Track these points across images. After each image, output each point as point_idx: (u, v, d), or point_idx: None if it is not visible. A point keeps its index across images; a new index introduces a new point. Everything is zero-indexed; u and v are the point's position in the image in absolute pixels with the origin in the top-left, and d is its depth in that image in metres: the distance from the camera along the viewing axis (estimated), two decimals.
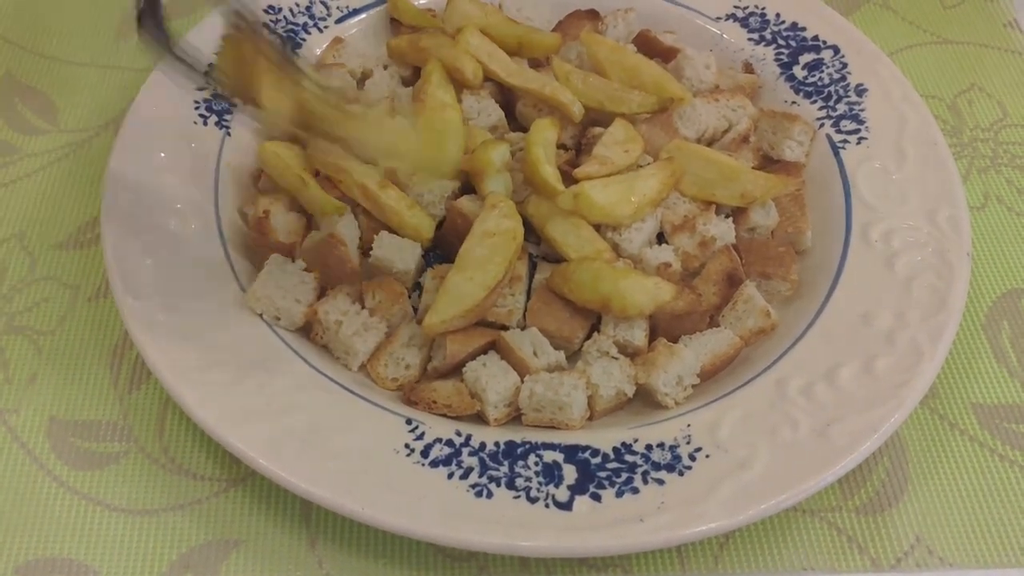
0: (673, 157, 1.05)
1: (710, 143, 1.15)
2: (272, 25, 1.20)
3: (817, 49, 1.21)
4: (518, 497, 0.85)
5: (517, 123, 1.16)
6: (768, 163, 1.14)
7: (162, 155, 1.06)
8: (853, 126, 1.13)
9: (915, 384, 0.90)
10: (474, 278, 0.95)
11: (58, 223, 1.13)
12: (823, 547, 0.91)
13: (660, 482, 0.86)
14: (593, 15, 1.26)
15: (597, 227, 1.02)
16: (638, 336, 0.96)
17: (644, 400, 0.96)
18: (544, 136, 1.04)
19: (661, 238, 1.07)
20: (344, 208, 1.00)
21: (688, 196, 1.06)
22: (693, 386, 0.95)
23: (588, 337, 0.98)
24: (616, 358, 0.95)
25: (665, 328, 0.98)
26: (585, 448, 0.89)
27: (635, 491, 0.85)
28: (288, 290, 0.97)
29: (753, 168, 1.10)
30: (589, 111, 1.11)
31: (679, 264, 1.01)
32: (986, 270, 1.12)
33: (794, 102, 1.18)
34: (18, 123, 1.22)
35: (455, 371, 0.95)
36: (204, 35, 1.02)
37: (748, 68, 1.22)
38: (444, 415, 0.92)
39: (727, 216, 1.07)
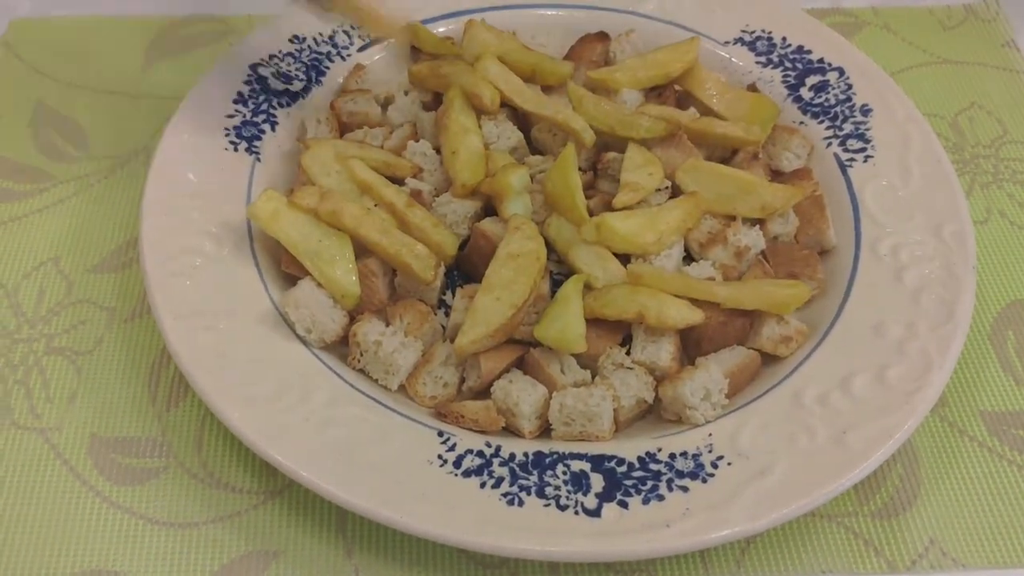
0: (697, 192, 1.08)
1: (721, 161, 1.19)
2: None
3: (823, 71, 1.26)
4: (548, 505, 0.88)
5: (533, 147, 1.20)
6: (776, 176, 1.18)
7: (195, 180, 1.10)
8: (859, 145, 1.18)
9: (926, 392, 0.94)
10: (501, 298, 0.99)
11: (92, 247, 1.17)
12: (841, 550, 0.94)
13: (684, 489, 0.89)
14: (603, 38, 1.31)
15: (627, 257, 1.06)
16: (664, 357, 0.99)
17: (673, 415, 0.98)
18: (575, 162, 1.08)
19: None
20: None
21: (709, 212, 1.10)
22: (723, 406, 0.97)
23: None
24: (631, 368, 0.98)
25: (703, 342, 1.01)
26: (611, 458, 0.92)
27: (661, 498, 0.88)
28: (324, 308, 1.00)
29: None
30: (601, 135, 1.15)
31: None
32: (991, 282, 1.16)
33: (802, 122, 1.22)
34: (51, 151, 1.26)
35: (488, 390, 0.98)
36: None
37: (753, 89, 1.26)
38: (470, 429, 0.96)
39: (753, 226, 1.10)
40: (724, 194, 1.09)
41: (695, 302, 1.00)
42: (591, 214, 1.08)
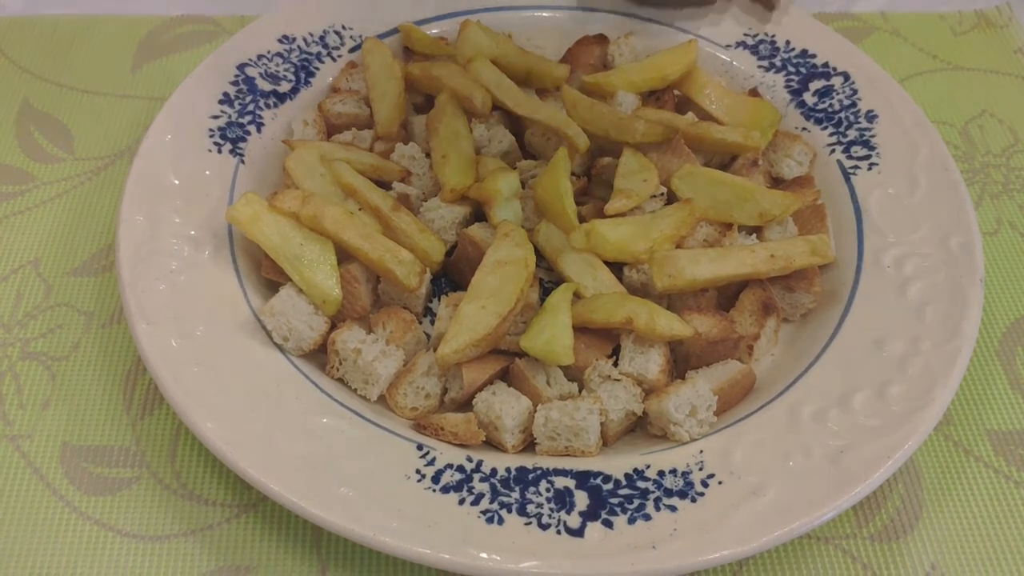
0: (692, 199, 1.05)
1: (720, 167, 1.15)
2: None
3: (827, 76, 1.22)
4: (529, 523, 0.84)
5: (526, 151, 1.17)
6: (776, 184, 1.14)
7: (176, 182, 1.07)
8: (864, 152, 1.14)
9: (929, 410, 0.90)
10: (487, 307, 0.95)
11: (73, 250, 1.14)
12: (838, 575, 0.90)
13: (672, 509, 0.85)
14: (601, 40, 1.27)
15: (620, 267, 1.02)
16: (652, 369, 0.95)
17: (659, 430, 0.95)
18: (566, 167, 1.05)
19: None
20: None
21: (705, 220, 1.06)
22: (711, 424, 0.93)
23: None
24: (618, 379, 0.95)
25: (700, 357, 0.97)
26: (597, 474, 0.88)
27: (647, 518, 0.84)
28: (303, 316, 0.97)
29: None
30: (595, 139, 1.12)
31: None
32: (999, 296, 1.12)
33: (804, 128, 1.18)
34: (34, 151, 1.24)
35: (472, 403, 0.95)
36: None
37: (754, 93, 1.23)
38: (450, 443, 0.92)
39: (749, 235, 1.07)
40: (721, 201, 1.05)
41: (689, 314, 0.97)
42: (583, 221, 1.04)
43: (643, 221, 1.03)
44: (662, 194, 1.07)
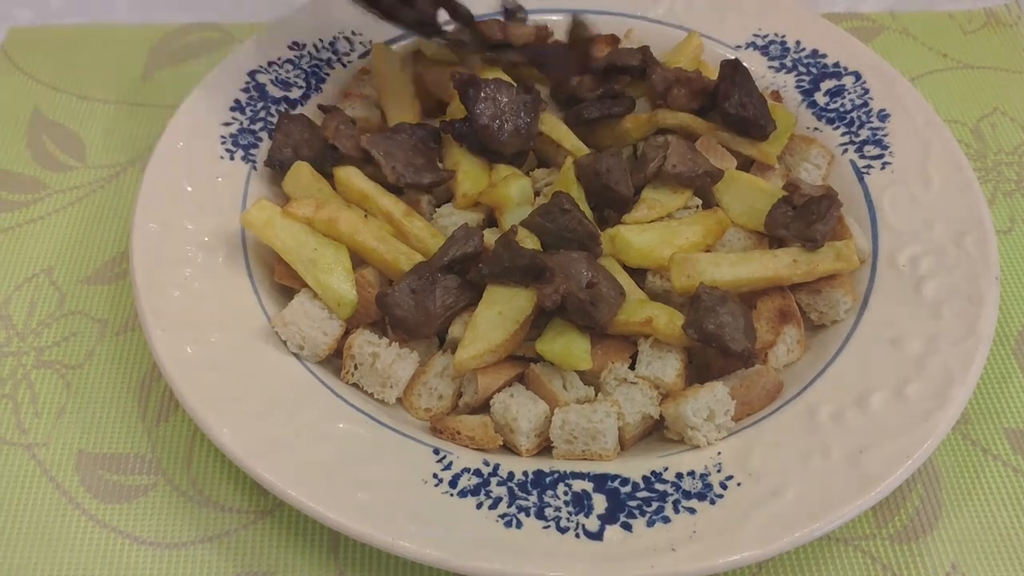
0: (718, 208, 1.04)
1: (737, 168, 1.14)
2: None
3: (838, 75, 1.21)
4: (548, 527, 0.84)
5: (539, 158, 1.16)
6: (792, 186, 1.13)
7: (189, 189, 1.07)
8: (877, 151, 1.13)
9: (947, 409, 0.89)
10: (503, 313, 0.95)
11: (86, 258, 1.14)
12: None
13: (692, 511, 0.85)
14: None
15: (643, 273, 1.02)
16: (669, 373, 0.95)
17: (676, 435, 0.94)
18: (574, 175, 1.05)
19: None
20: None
21: (740, 227, 1.05)
22: (728, 428, 0.92)
23: None
24: (635, 382, 0.94)
25: (721, 368, 0.97)
26: (615, 477, 0.88)
27: (666, 520, 0.84)
28: (316, 322, 0.97)
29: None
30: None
31: None
32: (1015, 294, 1.11)
33: (816, 128, 1.18)
34: (46, 160, 1.24)
35: (486, 406, 0.95)
36: None
37: (776, 96, 1.22)
38: (467, 447, 0.92)
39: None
40: (757, 208, 1.04)
41: None
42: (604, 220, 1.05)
43: (669, 227, 1.02)
44: (696, 206, 1.06)
